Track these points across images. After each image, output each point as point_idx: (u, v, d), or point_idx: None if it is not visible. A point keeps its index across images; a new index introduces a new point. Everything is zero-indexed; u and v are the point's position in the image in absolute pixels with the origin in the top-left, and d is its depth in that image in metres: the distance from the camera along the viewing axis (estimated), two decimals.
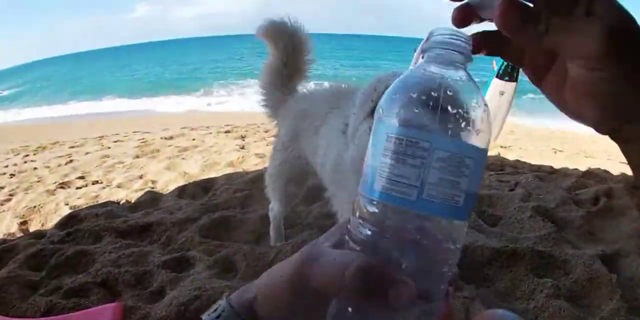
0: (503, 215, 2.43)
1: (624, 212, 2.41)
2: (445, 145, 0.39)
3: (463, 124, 0.40)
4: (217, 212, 2.62)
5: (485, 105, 0.42)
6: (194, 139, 5.30)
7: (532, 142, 5.37)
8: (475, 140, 0.41)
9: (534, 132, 6.66)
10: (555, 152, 4.78)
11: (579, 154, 4.77)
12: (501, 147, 4.67)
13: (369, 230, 0.40)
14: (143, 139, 5.60)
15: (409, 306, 0.37)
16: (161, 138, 5.50)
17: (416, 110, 0.40)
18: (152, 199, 3.10)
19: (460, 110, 0.40)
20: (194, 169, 3.75)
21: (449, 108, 0.40)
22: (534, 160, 3.91)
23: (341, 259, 0.38)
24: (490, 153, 3.74)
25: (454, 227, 0.41)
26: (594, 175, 3.24)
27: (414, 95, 0.40)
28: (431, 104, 0.39)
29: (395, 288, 0.36)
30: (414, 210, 0.39)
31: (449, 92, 0.40)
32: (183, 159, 4.24)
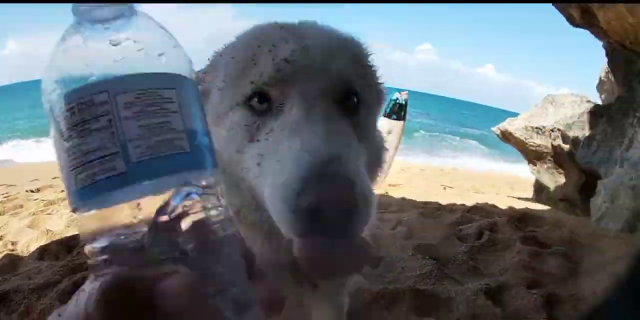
0: (384, 256, 2.40)
1: (507, 245, 2.48)
2: (125, 85, 0.31)
3: (137, 53, 0.33)
4: (79, 273, 2.34)
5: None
6: (62, 191, 4.75)
7: (422, 180, 5.60)
8: (163, 67, 0.33)
9: (426, 169, 6.99)
10: (444, 189, 5.00)
11: (469, 190, 5.03)
12: (389, 185, 4.78)
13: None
14: (6, 193, 4.92)
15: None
16: (27, 191, 4.87)
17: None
18: (10, 263, 2.73)
19: (128, 38, 0.33)
20: (59, 226, 3.34)
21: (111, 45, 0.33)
22: (422, 198, 4.02)
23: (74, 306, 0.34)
24: (378, 192, 3.76)
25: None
26: (480, 210, 3.38)
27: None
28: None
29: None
30: (130, 184, 0.31)
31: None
32: (48, 214, 3.78)
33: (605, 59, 4.42)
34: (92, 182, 0.31)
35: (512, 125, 5.74)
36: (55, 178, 5.51)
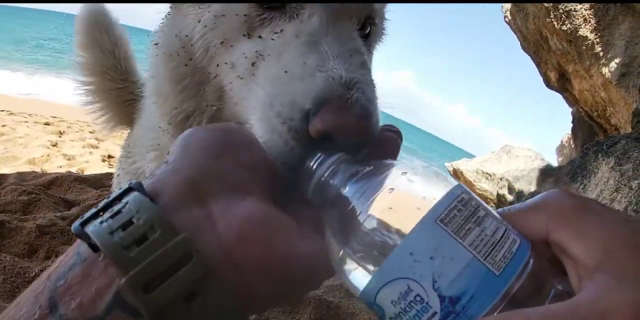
0: None
1: None
2: None
3: None
4: None
5: None
6: (4, 125, 4.44)
7: None
8: None
9: None
10: None
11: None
12: None
13: None
14: None
15: None
16: None
17: None
18: None
19: None
20: None
21: None
22: None
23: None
24: None
25: None
26: None
27: None
28: None
29: None
30: None
31: None
32: None
33: (571, 125, 4.62)
34: None
35: (465, 165, 5.90)
36: (1, 111, 5.14)
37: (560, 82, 4.26)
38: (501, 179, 5.45)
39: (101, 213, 0.36)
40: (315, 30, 0.61)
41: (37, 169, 3.11)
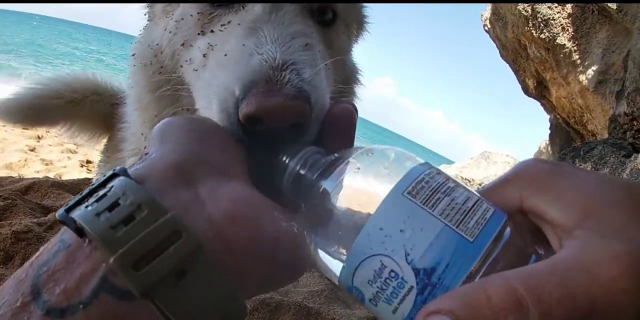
0: None
1: None
2: None
3: None
4: None
5: None
6: None
7: None
8: None
9: None
10: None
11: None
12: None
13: None
14: None
15: None
16: None
17: None
18: None
19: None
20: None
21: None
22: None
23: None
24: None
25: None
26: None
27: None
28: None
29: None
30: None
31: None
32: None
33: (549, 131, 4.72)
34: None
35: (444, 171, 5.97)
36: None
37: (538, 90, 4.36)
38: (480, 185, 5.54)
39: (86, 199, 0.35)
40: (257, 17, 0.62)
41: (14, 174, 3.03)
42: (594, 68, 3.11)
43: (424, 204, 0.33)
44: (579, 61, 3.27)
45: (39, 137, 4.47)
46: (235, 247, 0.35)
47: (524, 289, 0.27)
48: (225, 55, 0.59)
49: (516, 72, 4.60)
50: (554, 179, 0.34)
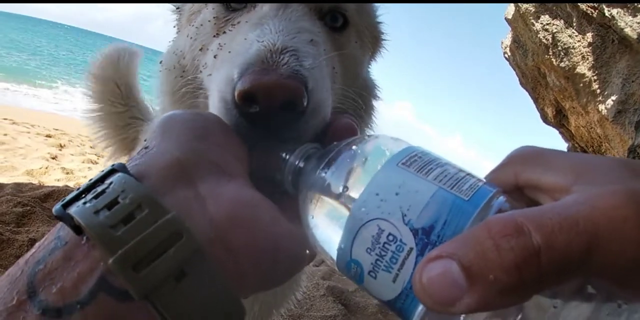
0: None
1: None
2: None
3: None
4: None
5: None
6: (5, 134, 4.46)
7: None
8: None
9: None
10: None
11: None
12: None
13: None
14: None
15: None
16: None
17: None
18: None
19: None
20: None
21: None
22: None
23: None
24: None
25: None
26: None
27: None
28: None
29: None
30: None
31: None
32: None
33: None
34: None
35: None
36: (5, 119, 5.16)
37: (557, 118, 4.32)
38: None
39: (84, 195, 0.35)
40: (264, 15, 0.63)
41: (35, 181, 3.09)
42: (613, 98, 3.08)
43: (418, 172, 0.34)
44: (598, 90, 3.25)
45: (61, 146, 4.58)
46: (235, 248, 0.35)
47: (524, 217, 0.26)
48: (230, 52, 0.60)
49: (535, 100, 4.58)
50: (545, 155, 0.34)
